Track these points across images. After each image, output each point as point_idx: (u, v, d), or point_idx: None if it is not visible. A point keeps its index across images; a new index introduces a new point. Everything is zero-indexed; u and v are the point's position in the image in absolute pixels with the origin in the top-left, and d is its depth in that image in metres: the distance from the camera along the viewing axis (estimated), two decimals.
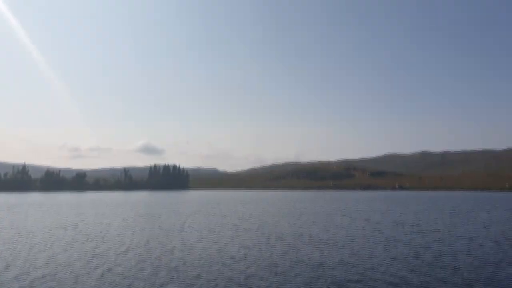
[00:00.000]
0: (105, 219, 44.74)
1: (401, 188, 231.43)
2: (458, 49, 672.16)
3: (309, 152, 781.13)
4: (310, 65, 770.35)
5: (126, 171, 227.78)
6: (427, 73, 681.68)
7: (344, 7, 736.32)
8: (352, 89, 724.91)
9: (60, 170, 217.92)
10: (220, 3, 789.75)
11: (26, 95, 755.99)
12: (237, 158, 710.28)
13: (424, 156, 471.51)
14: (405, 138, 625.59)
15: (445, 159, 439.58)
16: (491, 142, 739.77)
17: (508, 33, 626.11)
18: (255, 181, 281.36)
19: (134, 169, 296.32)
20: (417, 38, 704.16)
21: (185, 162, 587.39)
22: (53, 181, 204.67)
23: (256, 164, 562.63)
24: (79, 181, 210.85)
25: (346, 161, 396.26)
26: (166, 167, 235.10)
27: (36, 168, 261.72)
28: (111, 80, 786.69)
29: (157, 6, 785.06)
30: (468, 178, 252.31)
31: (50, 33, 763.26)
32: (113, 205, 75.83)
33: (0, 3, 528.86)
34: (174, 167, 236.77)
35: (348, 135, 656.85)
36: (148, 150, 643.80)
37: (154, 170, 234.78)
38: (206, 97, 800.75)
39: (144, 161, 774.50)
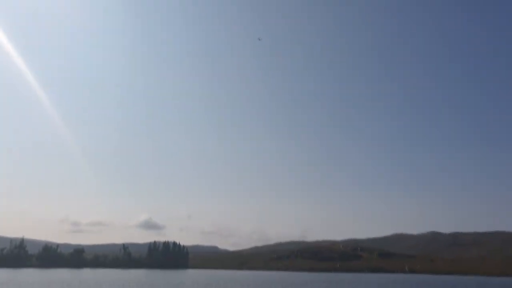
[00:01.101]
0: None
1: (412, 271, 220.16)
2: (467, 131, 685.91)
3: (315, 230, 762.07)
4: (317, 142, 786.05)
5: (125, 248, 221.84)
6: (437, 153, 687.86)
7: (343, 89, 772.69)
8: (360, 166, 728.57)
9: (58, 245, 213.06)
10: (228, 81, 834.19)
11: (28, 167, 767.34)
12: (239, 236, 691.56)
13: (434, 237, 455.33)
14: (414, 218, 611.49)
15: (456, 240, 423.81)
16: (505, 223, 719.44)
17: None
18: (258, 261, 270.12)
19: (134, 245, 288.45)
20: (427, 114, 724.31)
21: (185, 239, 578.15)
22: (50, 257, 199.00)
23: (259, 243, 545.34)
24: (77, 257, 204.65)
25: (353, 241, 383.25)
26: (166, 244, 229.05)
27: (35, 243, 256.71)
28: (116, 155, 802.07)
29: (157, 89, 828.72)
30: (482, 262, 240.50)
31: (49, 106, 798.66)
32: None
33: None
34: (174, 244, 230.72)
35: (355, 213, 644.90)
36: (149, 225, 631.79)
37: (153, 247, 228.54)
38: (210, 172, 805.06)
39: (144, 237, 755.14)
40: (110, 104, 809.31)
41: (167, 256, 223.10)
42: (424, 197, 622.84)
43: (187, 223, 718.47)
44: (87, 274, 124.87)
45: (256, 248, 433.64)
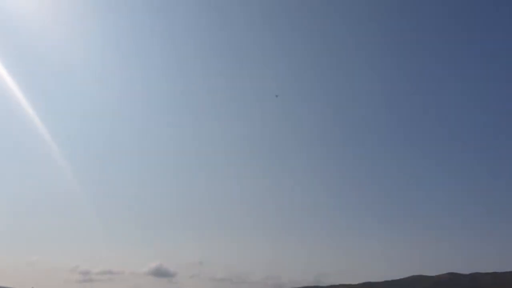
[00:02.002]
0: None
1: None
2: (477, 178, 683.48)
3: (329, 274, 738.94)
4: (331, 183, 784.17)
5: None
6: (454, 192, 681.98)
7: (354, 129, 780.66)
8: (374, 208, 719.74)
9: None
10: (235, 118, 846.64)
11: (36, 217, 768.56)
12: (252, 282, 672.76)
13: (453, 278, 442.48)
14: (432, 258, 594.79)
15: (475, 282, 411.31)
16: None
17: None
18: None
19: None
20: (441, 156, 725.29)
21: (196, 286, 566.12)
22: None
23: None
24: None
25: (370, 284, 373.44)
26: None
27: None
28: (125, 200, 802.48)
29: (168, 130, 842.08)
30: None
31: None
32: None
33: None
34: None
35: (371, 255, 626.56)
36: (160, 273, 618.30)
37: None
38: (222, 216, 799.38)
39: (155, 285, 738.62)
40: (119, 149, 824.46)
41: None
42: (441, 237, 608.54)
43: (199, 270, 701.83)
44: None
45: None
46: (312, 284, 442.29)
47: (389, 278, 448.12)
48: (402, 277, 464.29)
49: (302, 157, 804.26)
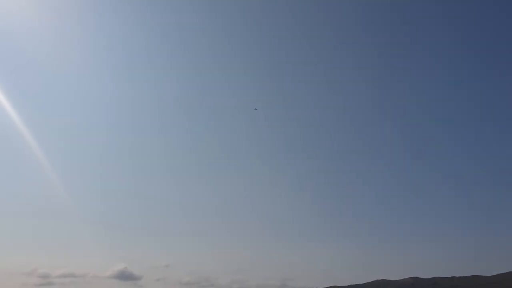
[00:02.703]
0: None
1: None
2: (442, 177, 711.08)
3: (296, 278, 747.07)
4: (297, 188, 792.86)
5: None
6: (416, 201, 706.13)
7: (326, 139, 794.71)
8: (339, 213, 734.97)
9: None
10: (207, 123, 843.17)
11: None
12: (218, 286, 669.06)
13: (414, 282, 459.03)
14: (395, 263, 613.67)
15: (436, 285, 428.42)
16: (480, 268, 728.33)
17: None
18: None
19: None
20: (403, 163, 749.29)
21: None
22: None
23: None
24: None
25: None
26: None
27: None
28: (88, 201, 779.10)
29: (136, 136, 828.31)
30: None
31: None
32: None
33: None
34: None
35: (336, 260, 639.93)
36: (125, 276, 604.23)
37: None
38: (189, 219, 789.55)
39: None
40: (84, 150, 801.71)
41: None
42: (404, 243, 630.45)
43: (165, 273, 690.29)
44: None
45: None
46: (279, 287, 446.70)
47: (354, 282, 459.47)
48: (366, 281, 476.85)
49: (267, 165, 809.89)
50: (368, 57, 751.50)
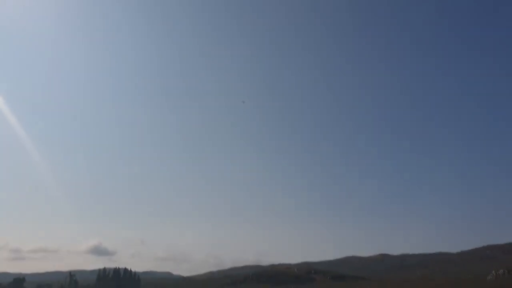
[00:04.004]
0: None
1: None
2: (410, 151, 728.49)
3: (269, 254, 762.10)
4: (270, 167, 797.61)
5: (71, 275, 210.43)
6: (386, 180, 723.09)
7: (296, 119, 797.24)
8: (311, 191, 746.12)
9: None
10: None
11: None
12: (193, 261, 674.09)
13: (383, 259, 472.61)
14: (365, 241, 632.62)
15: (404, 262, 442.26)
16: (447, 245, 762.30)
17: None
18: (213, 286, 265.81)
19: (82, 272, 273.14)
20: (375, 142, 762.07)
21: (137, 265, 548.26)
22: None
23: (214, 268, 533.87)
24: (17, 287, 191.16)
25: (307, 264, 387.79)
26: (116, 271, 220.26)
27: None
28: (62, 177, 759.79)
29: (108, 112, 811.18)
30: (426, 282, 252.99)
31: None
32: None
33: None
34: (125, 270, 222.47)
35: (308, 237, 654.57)
36: (99, 251, 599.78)
37: (103, 274, 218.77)
38: (163, 196, 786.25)
39: (93, 264, 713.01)
40: (62, 123, 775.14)
41: (117, 283, 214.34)
42: (373, 221, 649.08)
43: (140, 249, 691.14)
44: None
45: (211, 273, 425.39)
46: (253, 264, 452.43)
47: (325, 259, 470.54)
48: (338, 257, 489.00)
49: (241, 146, 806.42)
50: (362, 44, 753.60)
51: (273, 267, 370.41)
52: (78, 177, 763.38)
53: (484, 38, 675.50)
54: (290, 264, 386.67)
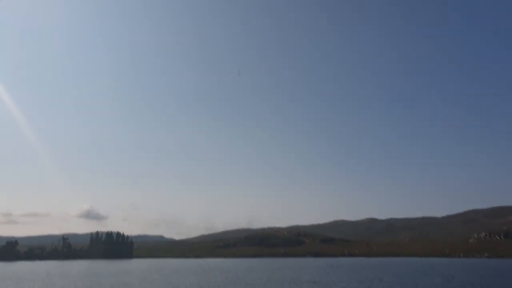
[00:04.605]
0: None
1: (350, 254, 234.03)
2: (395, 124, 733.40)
3: (260, 218, 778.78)
4: (262, 132, 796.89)
5: (64, 239, 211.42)
6: (375, 147, 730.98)
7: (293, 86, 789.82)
8: (302, 158, 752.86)
9: None
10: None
11: None
12: (185, 225, 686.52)
13: (371, 223, 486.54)
14: (353, 206, 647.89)
15: (390, 226, 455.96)
16: (431, 210, 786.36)
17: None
18: (204, 249, 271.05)
19: (74, 236, 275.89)
20: (368, 110, 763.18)
21: (129, 229, 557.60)
22: None
23: (206, 231, 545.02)
24: (10, 250, 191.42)
25: (297, 228, 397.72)
26: (109, 234, 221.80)
27: None
28: (53, 142, 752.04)
29: (96, 75, 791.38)
30: (412, 245, 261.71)
31: None
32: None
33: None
34: (118, 234, 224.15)
35: (298, 201, 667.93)
36: (91, 215, 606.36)
37: (95, 238, 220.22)
38: (154, 161, 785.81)
39: (85, 228, 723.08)
40: (49, 87, 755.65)
41: (110, 246, 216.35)
42: (361, 187, 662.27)
43: (131, 213, 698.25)
44: (22, 266, 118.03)
45: (203, 236, 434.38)
46: (244, 227, 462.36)
47: (314, 222, 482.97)
48: (326, 221, 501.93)
49: (237, 108, 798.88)
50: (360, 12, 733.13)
51: (263, 230, 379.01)
52: (69, 142, 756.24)
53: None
54: (280, 228, 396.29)
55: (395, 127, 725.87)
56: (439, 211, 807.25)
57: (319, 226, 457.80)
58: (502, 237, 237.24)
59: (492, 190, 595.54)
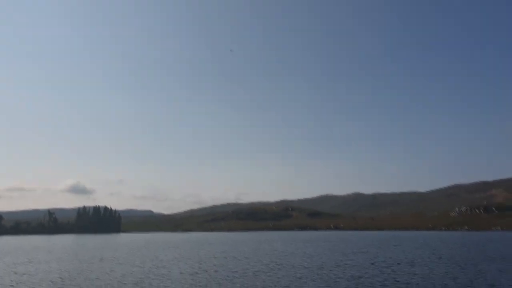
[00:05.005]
0: None
1: (337, 228, 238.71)
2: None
3: (249, 193, 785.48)
4: (248, 106, 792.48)
5: (50, 213, 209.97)
6: (360, 122, 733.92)
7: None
8: (289, 133, 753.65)
9: None
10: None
11: None
12: (174, 200, 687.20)
13: (357, 197, 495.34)
14: (340, 180, 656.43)
15: (376, 200, 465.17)
16: (415, 185, 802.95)
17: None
18: (193, 223, 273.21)
19: (61, 210, 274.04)
20: (355, 88, 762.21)
21: (117, 203, 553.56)
22: None
23: (195, 206, 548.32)
24: None
25: (285, 202, 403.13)
26: (96, 209, 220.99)
27: None
28: (40, 115, 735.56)
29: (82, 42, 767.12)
30: (396, 219, 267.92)
31: None
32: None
33: None
34: (105, 208, 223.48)
35: (286, 176, 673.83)
36: (77, 190, 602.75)
37: (83, 212, 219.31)
38: (142, 135, 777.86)
39: (72, 203, 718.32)
40: (39, 62, 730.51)
41: (98, 220, 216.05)
42: (348, 162, 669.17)
43: (119, 188, 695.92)
44: (7, 241, 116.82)
45: (192, 211, 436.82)
46: (233, 202, 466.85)
47: (302, 197, 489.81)
48: (314, 196, 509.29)
49: (220, 81, 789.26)
50: None
51: (252, 205, 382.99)
52: (55, 116, 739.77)
53: None
54: (269, 202, 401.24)
55: (379, 103, 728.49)
56: (423, 186, 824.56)
57: (306, 201, 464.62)
58: (482, 211, 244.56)
59: (475, 166, 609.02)
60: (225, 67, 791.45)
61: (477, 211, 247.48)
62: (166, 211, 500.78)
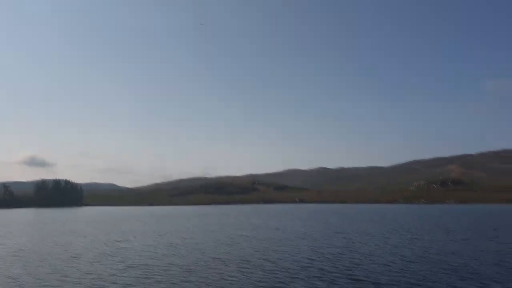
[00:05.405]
0: None
1: (302, 201, 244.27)
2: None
3: (216, 167, 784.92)
4: (218, 78, 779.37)
5: (6, 186, 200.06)
6: (325, 98, 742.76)
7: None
8: (257, 106, 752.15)
9: None
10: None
11: None
12: (139, 173, 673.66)
13: (322, 172, 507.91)
14: (305, 155, 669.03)
15: (340, 174, 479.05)
16: (379, 160, 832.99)
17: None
18: (159, 197, 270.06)
19: (17, 183, 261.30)
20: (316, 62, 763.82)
21: (79, 176, 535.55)
22: None
23: (160, 179, 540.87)
24: None
25: (252, 176, 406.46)
26: (56, 182, 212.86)
27: None
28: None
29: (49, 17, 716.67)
30: (360, 192, 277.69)
31: None
32: None
33: None
34: (66, 182, 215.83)
35: (253, 150, 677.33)
36: (35, 162, 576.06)
37: (41, 185, 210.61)
38: (105, 105, 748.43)
39: (29, 176, 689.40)
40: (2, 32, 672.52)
41: (58, 194, 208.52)
42: (314, 136, 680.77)
43: (80, 161, 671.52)
44: None
45: (157, 185, 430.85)
46: (200, 176, 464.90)
47: (268, 171, 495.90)
48: (280, 170, 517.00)
49: (195, 51, 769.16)
50: None
51: (219, 179, 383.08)
52: (13, 86, 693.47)
53: None
54: (236, 176, 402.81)
55: (344, 78, 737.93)
56: (385, 161, 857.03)
57: (273, 175, 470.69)
58: (439, 185, 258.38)
59: (434, 142, 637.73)
60: (195, 39, 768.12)
61: (434, 185, 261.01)
62: (130, 185, 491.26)
